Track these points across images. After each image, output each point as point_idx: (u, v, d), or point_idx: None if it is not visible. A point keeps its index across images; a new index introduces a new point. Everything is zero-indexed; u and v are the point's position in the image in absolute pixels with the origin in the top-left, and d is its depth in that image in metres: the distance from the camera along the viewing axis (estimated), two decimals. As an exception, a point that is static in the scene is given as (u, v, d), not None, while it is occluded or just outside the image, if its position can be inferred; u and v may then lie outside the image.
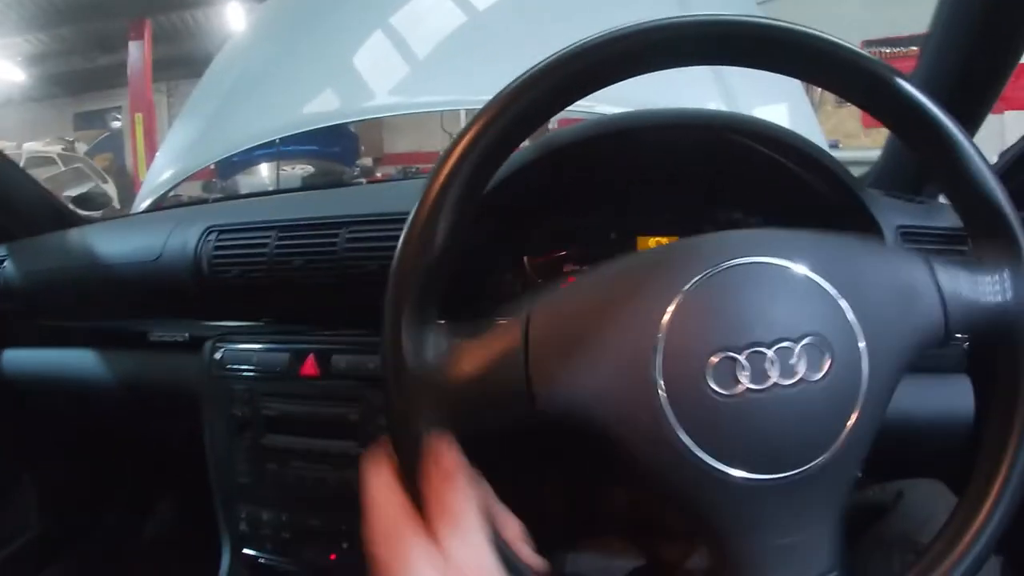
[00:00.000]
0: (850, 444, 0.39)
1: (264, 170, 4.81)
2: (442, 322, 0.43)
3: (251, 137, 1.42)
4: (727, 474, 0.37)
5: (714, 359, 0.37)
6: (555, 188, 0.71)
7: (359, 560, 0.75)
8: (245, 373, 0.80)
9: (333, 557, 0.77)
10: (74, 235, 1.10)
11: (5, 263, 1.11)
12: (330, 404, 0.75)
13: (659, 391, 0.38)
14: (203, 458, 0.85)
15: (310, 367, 0.76)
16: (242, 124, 1.48)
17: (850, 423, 0.39)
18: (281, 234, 0.77)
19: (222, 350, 0.83)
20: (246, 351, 0.82)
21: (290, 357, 0.78)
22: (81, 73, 9.49)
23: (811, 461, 0.38)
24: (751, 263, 0.39)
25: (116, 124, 9.53)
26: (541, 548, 0.45)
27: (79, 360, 1.10)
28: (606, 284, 0.42)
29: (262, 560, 0.82)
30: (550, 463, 0.83)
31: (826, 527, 0.40)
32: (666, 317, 0.38)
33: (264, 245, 0.77)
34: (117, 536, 1.55)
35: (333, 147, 5.54)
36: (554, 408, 0.40)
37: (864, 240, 0.47)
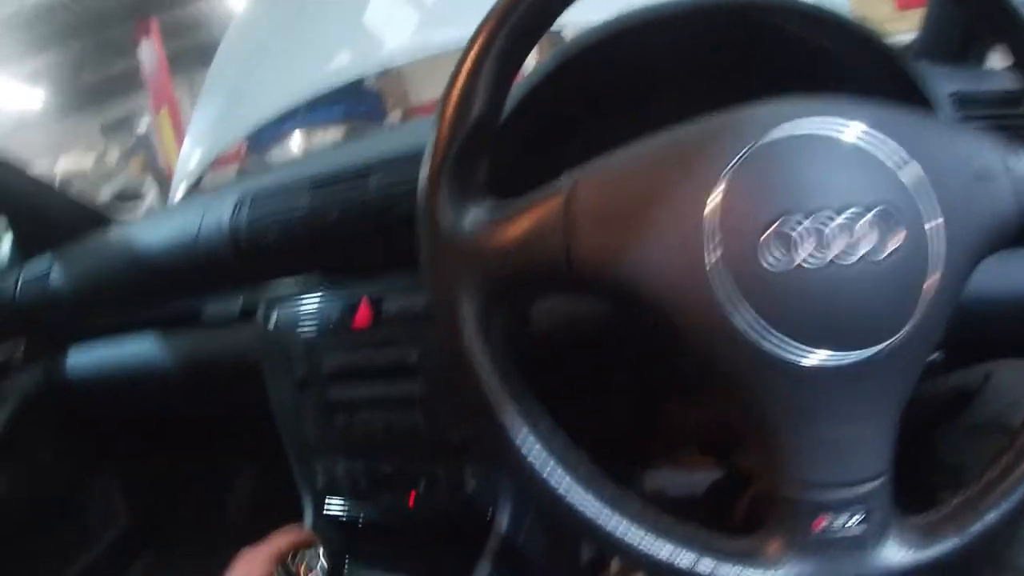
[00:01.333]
0: (919, 329, 0.36)
1: (294, 142, 4.83)
2: (484, 199, 0.43)
3: (273, 107, 1.40)
4: (781, 353, 0.35)
5: (771, 228, 0.35)
6: (582, 97, 0.68)
7: (436, 500, 0.77)
8: (301, 332, 0.81)
9: (411, 501, 0.78)
10: (114, 234, 1.12)
11: (51, 274, 1.13)
12: (387, 349, 0.75)
13: (711, 262, 0.36)
14: (273, 425, 0.87)
15: (363, 317, 0.76)
16: (262, 95, 1.46)
17: (921, 307, 0.36)
18: (313, 190, 0.76)
19: (275, 314, 0.83)
20: (299, 311, 0.81)
21: (342, 310, 0.78)
22: (100, 83, 9.57)
23: (875, 345, 0.36)
24: (809, 127, 0.37)
25: (144, 126, 9.66)
26: (613, 467, 0.44)
27: (138, 348, 1.12)
28: (653, 152, 0.40)
29: (343, 514, 0.84)
30: (616, 376, 0.82)
31: (883, 422, 0.38)
32: (719, 185, 0.36)
33: (297, 205, 0.77)
34: (202, 516, 1.60)
35: (359, 107, 5.52)
36: (595, 278, 0.39)
37: (925, 112, 0.44)
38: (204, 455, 1.62)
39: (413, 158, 0.71)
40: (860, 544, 0.39)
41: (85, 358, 1.25)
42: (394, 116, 6.45)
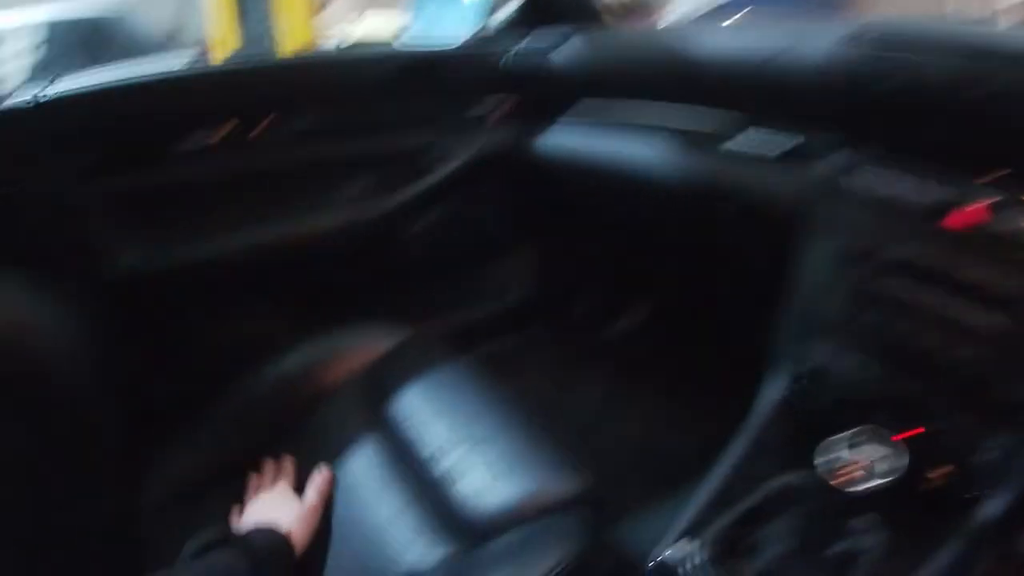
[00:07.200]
0: None
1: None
2: None
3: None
4: None
5: None
6: None
7: (937, 450, 0.64)
8: (876, 203, 0.70)
9: (921, 429, 0.67)
10: (656, 35, 1.10)
11: (561, 49, 1.17)
12: (983, 264, 0.61)
13: None
14: (713, 271, 0.78)
15: (971, 215, 0.62)
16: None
17: None
18: (968, 56, 0.63)
19: (854, 171, 0.73)
20: (880, 179, 0.70)
21: (943, 197, 0.65)
22: None
23: None
24: None
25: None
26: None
27: (632, 148, 1.11)
28: None
29: (816, 405, 0.75)
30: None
31: None
32: None
33: (942, 58, 0.64)
34: (589, 321, 1.66)
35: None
36: None
37: None
38: (616, 270, 1.65)
39: None
40: None
41: (563, 139, 1.27)
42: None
